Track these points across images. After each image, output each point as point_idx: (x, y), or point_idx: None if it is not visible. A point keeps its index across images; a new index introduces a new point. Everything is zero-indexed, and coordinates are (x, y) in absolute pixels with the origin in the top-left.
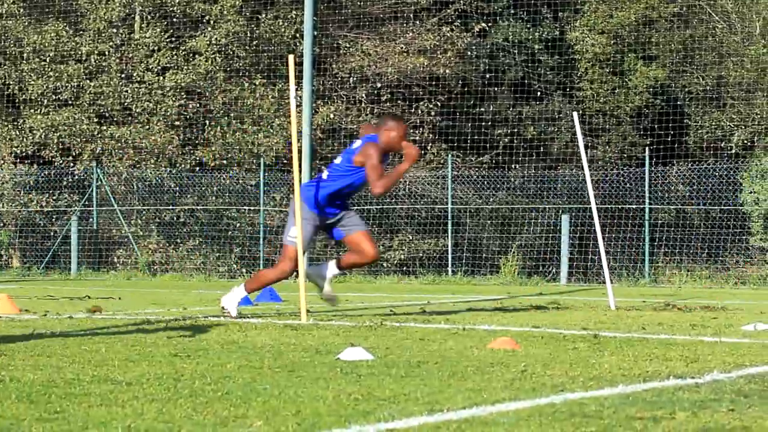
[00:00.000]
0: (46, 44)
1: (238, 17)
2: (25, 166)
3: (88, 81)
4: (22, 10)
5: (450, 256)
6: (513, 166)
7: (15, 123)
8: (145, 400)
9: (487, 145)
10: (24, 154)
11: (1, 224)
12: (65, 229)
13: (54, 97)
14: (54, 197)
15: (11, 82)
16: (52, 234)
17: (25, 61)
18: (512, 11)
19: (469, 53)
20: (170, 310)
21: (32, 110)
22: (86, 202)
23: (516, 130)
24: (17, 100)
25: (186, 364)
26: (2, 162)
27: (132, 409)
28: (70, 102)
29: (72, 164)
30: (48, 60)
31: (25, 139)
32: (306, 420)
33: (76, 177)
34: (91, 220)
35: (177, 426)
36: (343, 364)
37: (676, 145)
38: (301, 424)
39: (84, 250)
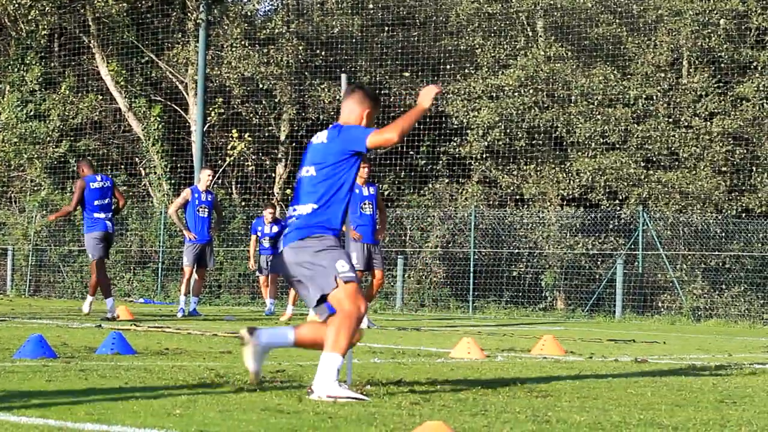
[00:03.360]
0: (594, 88)
1: None
2: (571, 208)
3: (635, 125)
4: (570, 53)
5: None
6: None
7: (562, 166)
8: None
9: None
10: (570, 196)
11: (547, 266)
12: (610, 272)
13: (601, 140)
14: (600, 240)
15: (559, 125)
16: (596, 277)
17: (573, 104)
18: None
19: None
20: (715, 356)
21: (579, 153)
22: (632, 246)
23: None
24: (564, 143)
25: (732, 411)
26: (549, 204)
27: None
28: (617, 146)
29: (618, 208)
30: (596, 103)
31: (571, 182)
32: None
33: (622, 221)
34: (636, 263)
35: None
36: None
37: None
38: None
39: (628, 293)
